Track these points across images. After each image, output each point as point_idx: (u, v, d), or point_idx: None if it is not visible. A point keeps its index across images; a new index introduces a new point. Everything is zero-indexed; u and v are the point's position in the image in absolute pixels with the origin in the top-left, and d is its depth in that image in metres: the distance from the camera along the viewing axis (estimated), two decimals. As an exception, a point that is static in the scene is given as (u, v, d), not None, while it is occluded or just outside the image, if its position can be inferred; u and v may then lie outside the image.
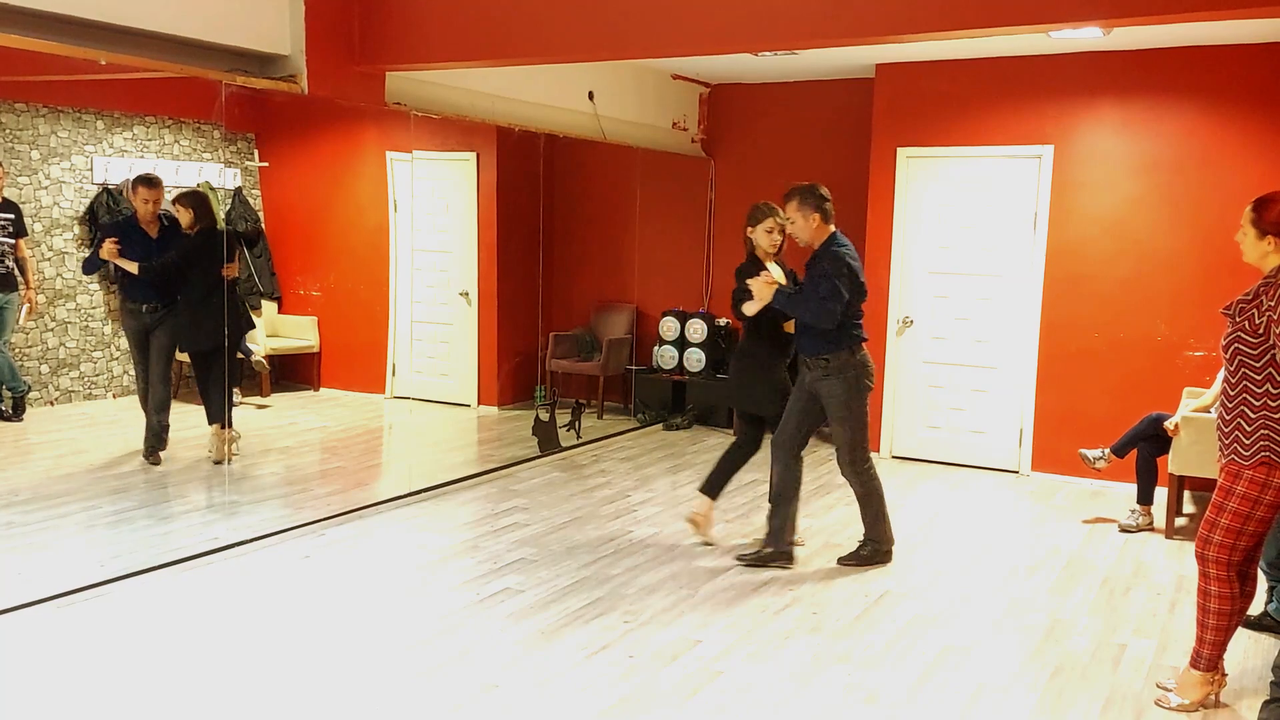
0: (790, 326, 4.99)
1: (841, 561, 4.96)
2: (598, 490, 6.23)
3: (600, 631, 4.05)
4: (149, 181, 6.25)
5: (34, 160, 7.27)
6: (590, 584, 4.58)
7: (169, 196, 6.52)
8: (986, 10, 4.08)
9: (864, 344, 4.84)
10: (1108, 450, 5.81)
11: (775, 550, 4.91)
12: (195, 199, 6.32)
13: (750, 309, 4.83)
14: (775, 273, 4.90)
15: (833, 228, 4.77)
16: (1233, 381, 3.34)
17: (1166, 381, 6.30)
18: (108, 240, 6.11)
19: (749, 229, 5.00)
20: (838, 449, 4.87)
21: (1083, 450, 5.89)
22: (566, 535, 5.29)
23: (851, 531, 5.51)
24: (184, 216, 6.21)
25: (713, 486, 5.22)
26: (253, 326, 6.78)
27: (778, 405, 4.96)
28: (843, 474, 4.94)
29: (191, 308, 6.16)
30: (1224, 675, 3.51)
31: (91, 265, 6.51)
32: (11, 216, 6.81)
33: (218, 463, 6.22)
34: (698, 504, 5.24)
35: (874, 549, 4.96)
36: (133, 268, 6.09)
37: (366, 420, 8.14)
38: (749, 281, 4.80)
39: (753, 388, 5.07)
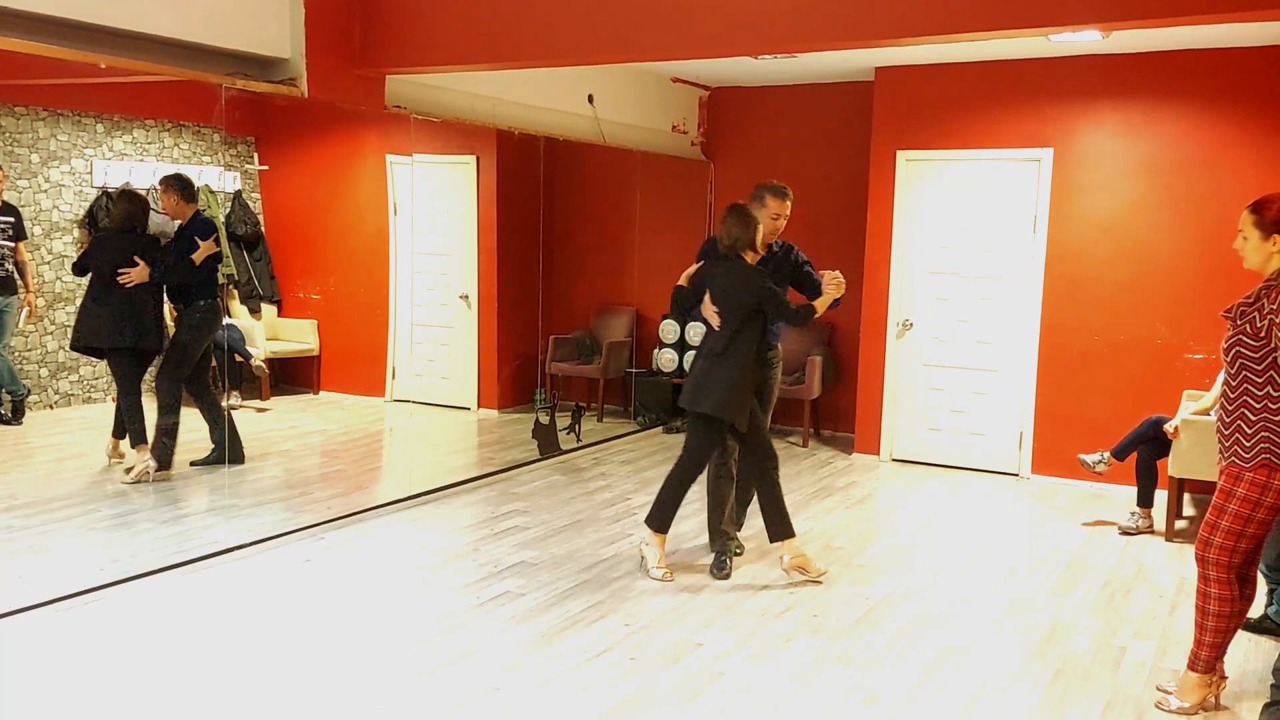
0: None
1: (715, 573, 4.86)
2: (598, 493, 6.23)
3: (601, 634, 4.05)
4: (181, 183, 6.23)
5: (34, 164, 7.27)
6: (591, 587, 4.58)
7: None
8: (986, 14, 4.09)
9: None
10: (1107, 454, 5.81)
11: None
12: (120, 196, 6.21)
13: (821, 307, 4.65)
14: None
15: None
16: (1233, 384, 3.34)
17: (1166, 384, 6.31)
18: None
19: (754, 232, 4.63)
20: (765, 438, 4.76)
21: (1081, 455, 5.90)
22: (567, 538, 5.29)
23: (855, 532, 5.51)
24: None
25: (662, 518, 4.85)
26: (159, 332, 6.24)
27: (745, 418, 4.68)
28: (742, 465, 4.86)
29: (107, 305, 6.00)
30: (1224, 678, 3.52)
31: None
32: (11, 220, 6.81)
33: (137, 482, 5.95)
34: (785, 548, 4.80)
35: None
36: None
37: (367, 423, 8.14)
38: (829, 275, 4.64)
39: (739, 396, 4.59)
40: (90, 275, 6.06)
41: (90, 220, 7.52)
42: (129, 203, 6.21)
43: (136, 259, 5.93)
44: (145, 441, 5.99)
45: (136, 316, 5.95)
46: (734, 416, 4.60)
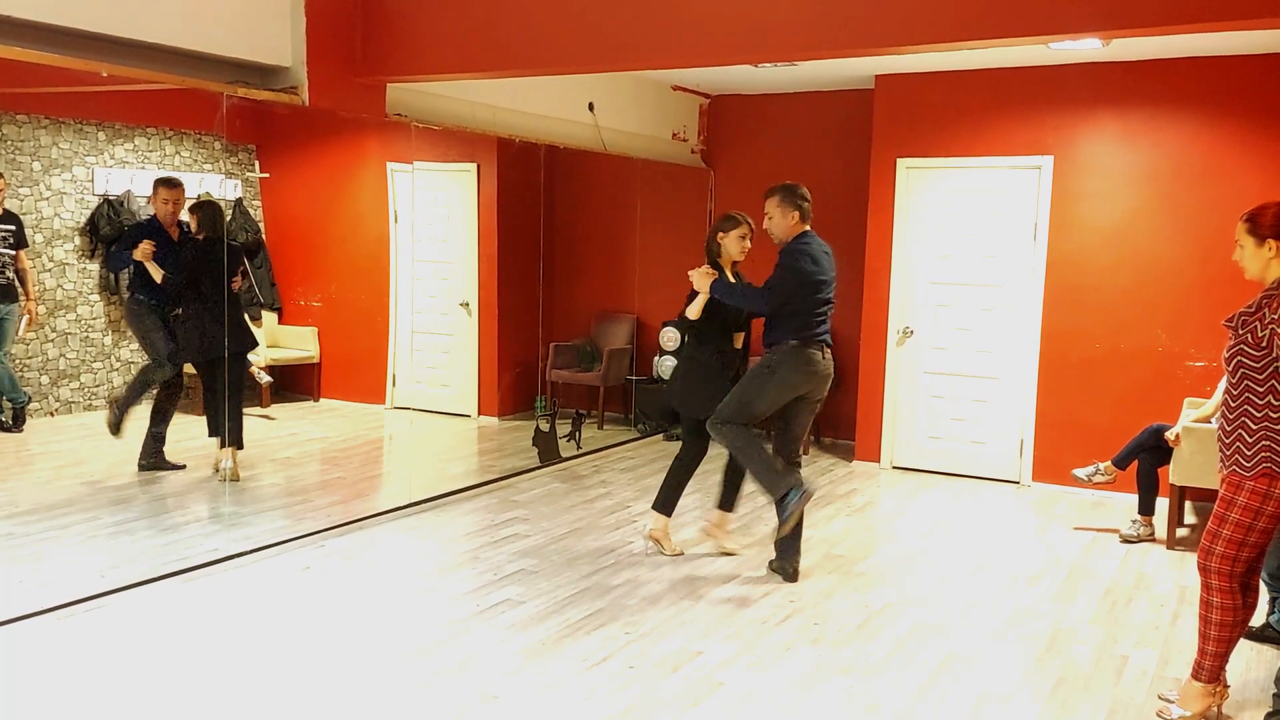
0: (739, 340, 5.10)
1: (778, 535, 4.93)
2: (598, 501, 6.22)
3: (601, 642, 4.05)
4: (169, 183, 6.23)
5: (35, 171, 7.29)
6: (591, 595, 4.58)
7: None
8: (985, 22, 4.10)
9: (817, 343, 4.77)
10: (1103, 464, 5.81)
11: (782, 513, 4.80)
12: (204, 208, 6.25)
13: (694, 309, 4.90)
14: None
15: (807, 227, 4.82)
16: (1234, 393, 3.34)
17: (1167, 392, 6.30)
18: (145, 240, 6.02)
19: (720, 235, 5.00)
20: (719, 408, 4.79)
21: (1075, 471, 5.91)
22: (567, 546, 5.28)
23: (856, 540, 5.50)
24: (192, 224, 6.17)
25: (666, 502, 5.15)
26: (256, 343, 6.65)
27: (709, 411, 4.88)
28: (710, 431, 4.83)
29: (195, 317, 6.09)
30: (1226, 687, 3.50)
31: (120, 261, 6.45)
32: (12, 228, 6.82)
33: (222, 481, 6.16)
34: (653, 521, 5.20)
35: (784, 502, 4.70)
36: (158, 275, 6.02)
37: (367, 431, 8.14)
38: (690, 272, 4.89)
39: (692, 392, 5.03)
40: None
41: (92, 228, 7.53)
42: (210, 210, 6.26)
43: (240, 270, 6.21)
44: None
45: (240, 322, 6.34)
46: (678, 406, 5.18)
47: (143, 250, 6.01)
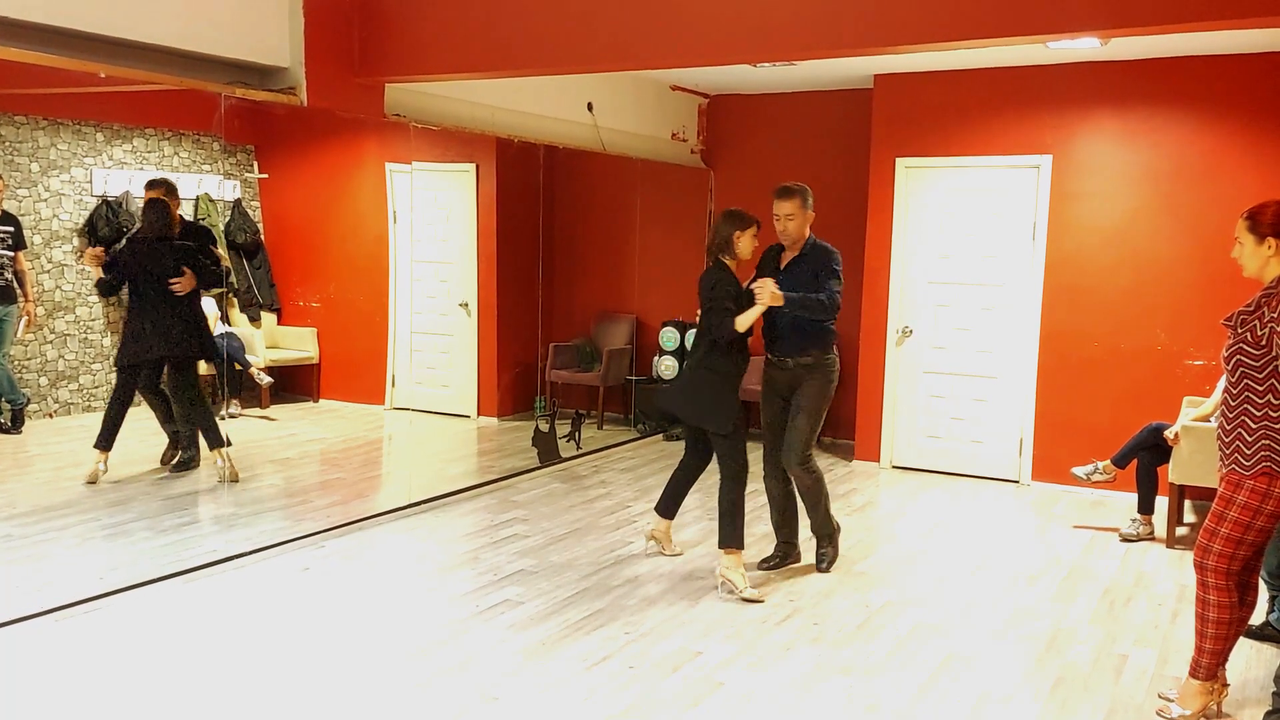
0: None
1: (820, 570, 4.98)
2: (598, 501, 6.22)
3: (601, 642, 4.04)
4: (147, 184, 6.19)
5: (33, 173, 7.28)
6: (591, 595, 4.57)
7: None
8: (984, 21, 4.10)
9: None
10: (1102, 463, 5.81)
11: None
12: (150, 206, 6.05)
13: (747, 321, 4.56)
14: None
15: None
16: (1234, 392, 3.34)
17: (1167, 391, 6.30)
18: (92, 247, 6.08)
19: (736, 234, 4.62)
20: (792, 444, 4.79)
21: (1074, 469, 5.91)
22: (566, 546, 5.28)
23: (855, 539, 5.50)
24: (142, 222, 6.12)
25: (668, 507, 5.11)
26: (211, 350, 6.35)
27: (732, 423, 4.68)
28: (788, 469, 4.84)
29: (140, 318, 5.99)
30: (1225, 685, 3.51)
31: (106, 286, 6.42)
32: (11, 229, 6.82)
33: (221, 481, 6.16)
34: (655, 523, 5.17)
35: (831, 540, 5.05)
36: (97, 275, 6.09)
37: (366, 431, 8.13)
38: (757, 286, 4.54)
39: (715, 402, 4.67)
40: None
41: (90, 229, 7.53)
42: (155, 209, 6.06)
43: (187, 270, 6.02)
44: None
45: (192, 323, 6.12)
46: (693, 419, 4.86)
47: (88, 255, 6.11)
